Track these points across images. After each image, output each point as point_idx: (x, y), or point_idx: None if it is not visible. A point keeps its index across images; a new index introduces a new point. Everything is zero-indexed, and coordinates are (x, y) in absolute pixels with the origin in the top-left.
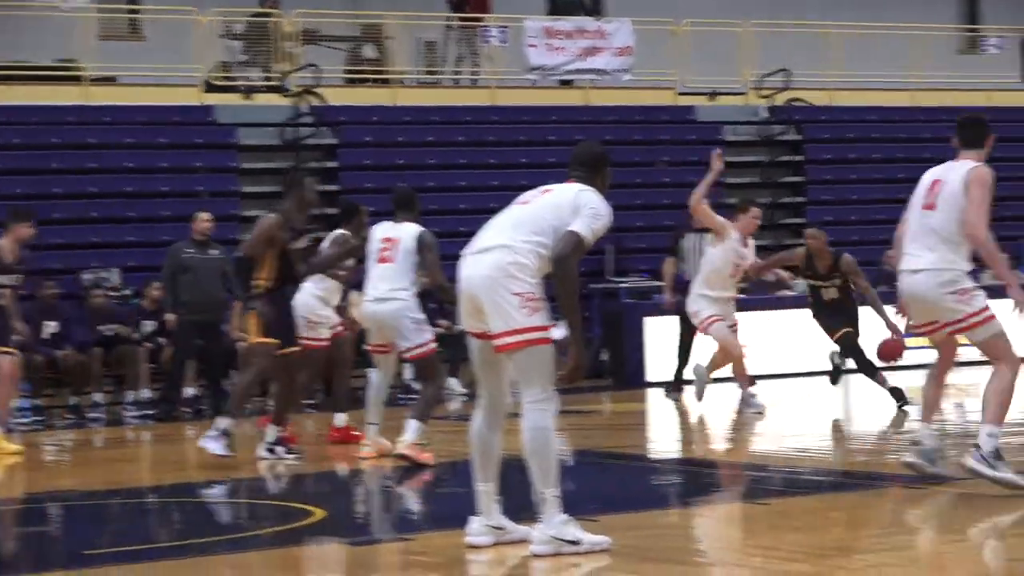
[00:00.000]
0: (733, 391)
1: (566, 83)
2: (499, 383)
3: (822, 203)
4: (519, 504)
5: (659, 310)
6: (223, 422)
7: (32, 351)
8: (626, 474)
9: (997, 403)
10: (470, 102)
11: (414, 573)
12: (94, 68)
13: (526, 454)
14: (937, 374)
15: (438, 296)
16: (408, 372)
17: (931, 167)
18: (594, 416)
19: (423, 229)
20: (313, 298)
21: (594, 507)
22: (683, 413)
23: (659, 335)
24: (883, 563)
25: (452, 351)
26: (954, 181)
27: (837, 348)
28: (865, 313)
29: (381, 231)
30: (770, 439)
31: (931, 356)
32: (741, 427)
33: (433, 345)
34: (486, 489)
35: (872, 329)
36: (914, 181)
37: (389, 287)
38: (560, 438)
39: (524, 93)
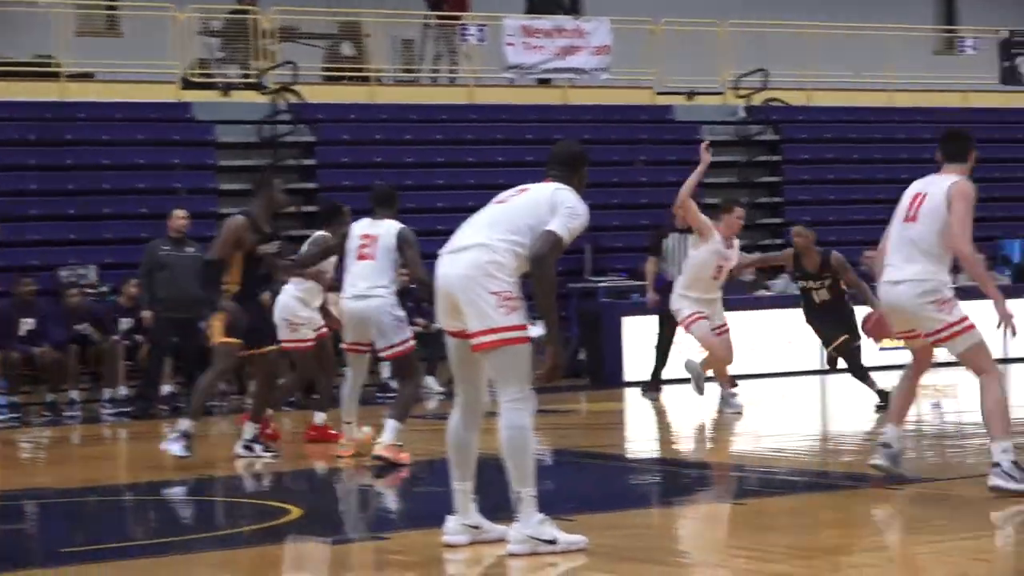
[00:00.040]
0: (713, 390)
1: (544, 82)
2: (476, 382)
3: (799, 203)
4: (496, 503)
5: (641, 309)
6: (183, 423)
7: (9, 348)
8: (603, 474)
9: (998, 415)
10: (448, 100)
11: (390, 572)
12: (71, 64)
13: (503, 453)
14: (911, 376)
15: (417, 294)
16: (386, 371)
17: (908, 167)
18: (571, 415)
19: (403, 226)
20: (293, 300)
21: (571, 507)
22: (661, 413)
23: (637, 334)
24: (861, 563)
25: (430, 350)
26: (936, 194)
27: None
28: (861, 313)
29: (360, 228)
30: (749, 439)
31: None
32: (720, 427)
33: (411, 343)
34: (463, 488)
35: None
36: (891, 181)
37: (369, 284)
38: (537, 437)
39: (502, 92)
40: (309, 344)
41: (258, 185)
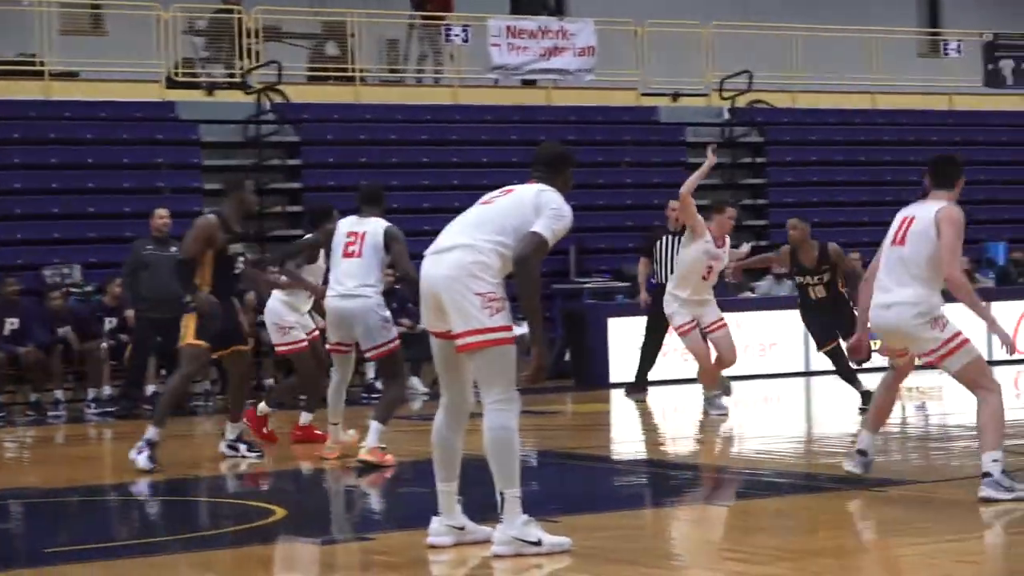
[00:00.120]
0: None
1: (528, 83)
2: (461, 383)
3: (783, 205)
4: (481, 504)
5: (627, 310)
6: (149, 431)
7: None
8: (589, 475)
9: (992, 429)
10: (432, 101)
11: (375, 573)
12: (56, 63)
13: (488, 454)
14: (891, 383)
15: (402, 294)
16: (371, 371)
17: (892, 169)
18: (556, 416)
19: (389, 224)
20: (281, 304)
21: (556, 508)
22: (646, 414)
23: (622, 336)
24: (846, 565)
25: (414, 350)
26: (924, 218)
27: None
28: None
29: (346, 225)
30: (734, 441)
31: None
32: (705, 429)
33: (397, 344)
34: (447, 489)
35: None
36: (876, 183)
37: (356, 283)
38: (522, 438)
39: (486, 92)
40: (303, 345)
41: (229, 186)
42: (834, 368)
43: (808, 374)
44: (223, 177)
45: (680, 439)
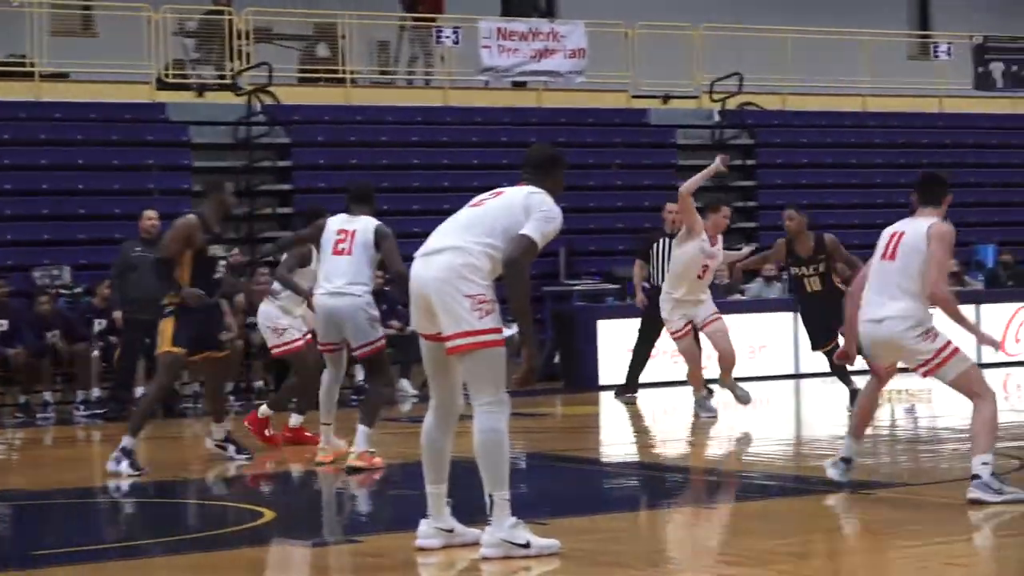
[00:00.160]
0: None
1: (519, 84)
2: (451, 385)
3: (774, 207)
4: (470, 507)
5: (616, 312)
6: (124, 440)
7: None
8: (578, 477)
9: (985, 434)
10: (423, 102)
11: (364, 575)
12: (46, 64)
13: (477, 456)
14: (873, 390)
15: (392, 295)
16: (361, 374)
17: (882, 172)
18: (546, 419)
19: (379, 222)
20: (274, 308)
21: (545, 510)
22: (635, 417)
23: (612, 338)
24: (836, 567)
25: (404, 352)
26: (915, 234)
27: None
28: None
29: (336, 223)
30: (723, 443)
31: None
32: (695, 431)
33: (383, 342)
34: (436, 491)
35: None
36: (866, 186)
37: (346, 281)
38: (511, 441)
39: (477, 94)
40: (299, 344)
41: (209, 187)
42: (828, 366)
43: (798, 376)
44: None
45: (670, 441)
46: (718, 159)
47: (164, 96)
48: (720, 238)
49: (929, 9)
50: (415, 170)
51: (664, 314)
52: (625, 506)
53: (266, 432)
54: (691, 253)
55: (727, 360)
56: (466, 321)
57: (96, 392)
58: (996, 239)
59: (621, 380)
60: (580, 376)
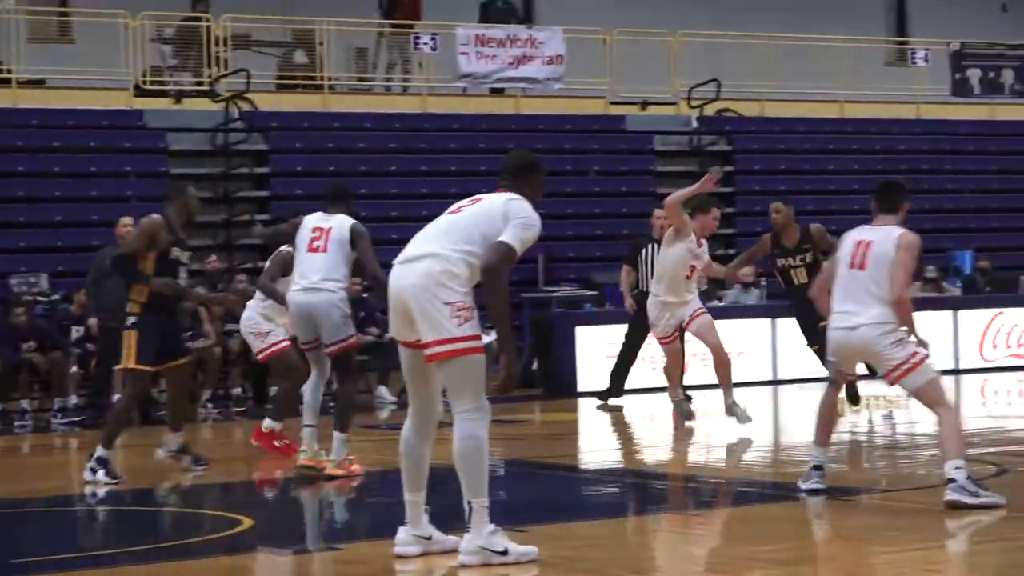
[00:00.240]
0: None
1: (497, 91)
2: (430, 392)
3: (752, 214)
4: (448, 514)
5: (595, 319)
6: (98, 451)
7: None
8: (556, 484)
9: (954, 441)
10: (401, 109)
11: None
12: (23, 71)
13: (457, 463)
14: (832, 396)
15: (371, 302)
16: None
17: (860, 178)
18: (524, 426)
19: (355, 221)
20: (257, 314)
21: (523, 517)
22: (614, 423)
23: (590, 344)
24: (815, 574)
25: (382, 359)
26: (885, 243)
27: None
28: None
29: (312, 221)
30: (702, 450)
31: None
32: (674, 437)
33: (354, 340)
34: (415, 499)
35: None
36: (844, 192)
37: (320, 276)
38: (490, 447)
39: (455, 101)
40: (285, 344)
41: (173, 191)
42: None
43: (776, 383)
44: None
45: (648, 448)
46: (711, 173)
47: (141, 103)
48: (705, 241)
49: (906, 15)
50: (393, 177)
51: (652, 317)
52: (603, 513)
53: (276, 444)
54: (679, 254)
55: (721, 361)
56: (445, 328)
57: (73, 400)
58: (973, 245)
59: (599, 386)
60: (558, 382)
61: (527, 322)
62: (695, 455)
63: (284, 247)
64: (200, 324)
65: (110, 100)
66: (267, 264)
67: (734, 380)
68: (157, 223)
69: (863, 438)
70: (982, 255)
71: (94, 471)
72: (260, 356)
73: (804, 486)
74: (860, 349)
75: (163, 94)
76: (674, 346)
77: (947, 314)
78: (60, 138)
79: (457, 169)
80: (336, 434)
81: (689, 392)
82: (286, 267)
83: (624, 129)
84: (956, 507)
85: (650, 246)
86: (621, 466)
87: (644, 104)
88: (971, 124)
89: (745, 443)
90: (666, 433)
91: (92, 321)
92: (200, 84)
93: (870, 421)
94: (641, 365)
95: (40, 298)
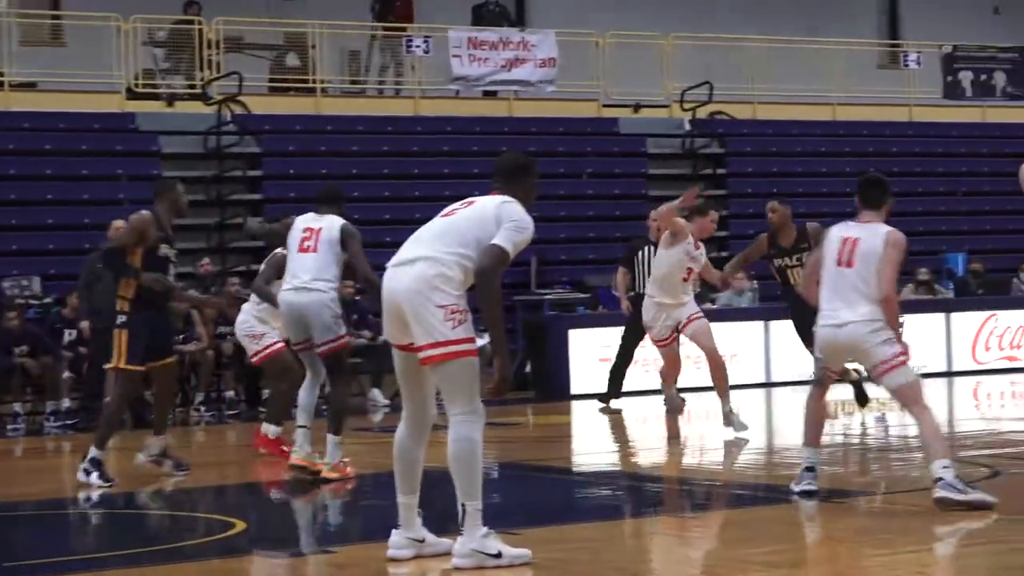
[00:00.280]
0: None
1: (490, 94)
2: (423, 395)
3: (744, 216)
4: (442, 517)
5: (587, 322)
6: (92, 451)
7: None
8: (549, 487)
9: (937, 441)
10: (394, 112)
11: None
12: (15, 74)
13: (451, 466)
14: (818, 397)
15: (363, 305)
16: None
17: (852, 181)
18: (517, 428)
19: (346, 221)
20: (251, 317)
21: (516, 520)
22: (607, 425)
23: (583, 347)
24: None
25: (375, 362)
26: (872, 240)
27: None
28: None
29: (303, 222)
30: (695, 452)
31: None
32: (667, 440)
33: (345, 340)
34: (408, 502)
35: None
36: (836, 195)
37: (311, 276)
38: (483, 450)
39: (448, 103)
40: (280, 346)
41: (160, 187)
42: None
43: (769, 385)
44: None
45: (642, 451)
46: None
47: (133, 106)
48: (702, 244)
49: (898, 18)
50: (386, 180)
51: (647, 319)
52: (597, 516)
53: (284, 448)
54: (676, 256)
55: (718, 368)
56: (439, 331)
57: (66, 403)
58: (966, 247)
59: (592, 389)
60: (551, 385)
61: (520, 325)
62: (687, 458)
63: (278, 250)
64: (193, 327)
65: (102, 103)
66: (262, 267)
67: (730, 382)
68: (146, 219)
69: (856, 441)
70: (975, 257)
71: (88, 472)
72: (255, 359)
73: (797, 488)
74: (848, 346)
75: (155, 97)
76: (671, 349)
77: (940, 316)
78: (52, 141)
79: (450, 172)
80: (330, 436)
81: (683, 395)
82: (280, 270)
83: (617, 132)
84: (945, 504)
85: (646, 248)
86: (614, 469)
87: (637, 107)
88: (963, 127)
89: (739, 446)
90: (660, 436)
91: (84, 324)
92: (192, 87)
93: (863, 424)
94: (634, 368)
95: (32, 301)
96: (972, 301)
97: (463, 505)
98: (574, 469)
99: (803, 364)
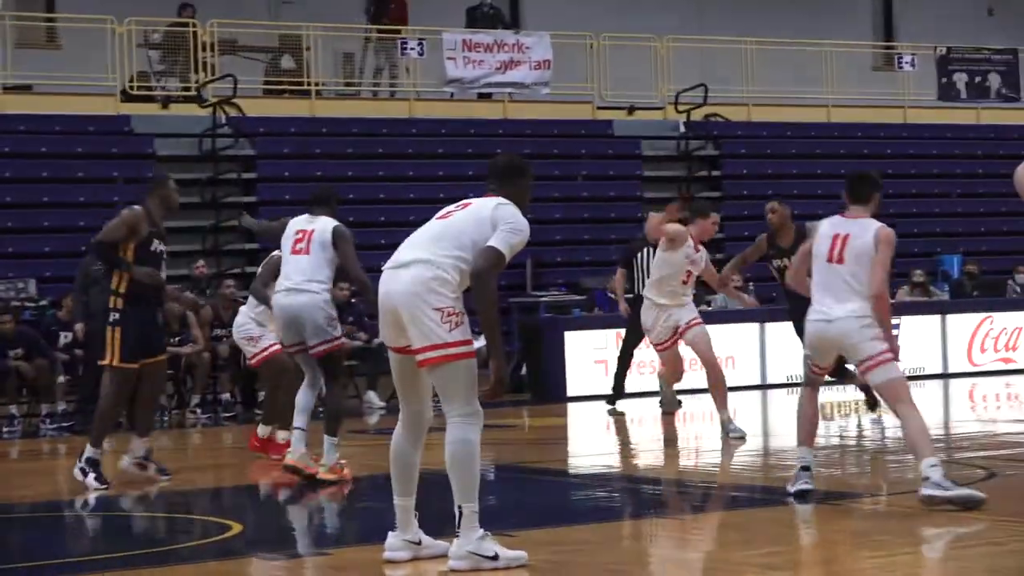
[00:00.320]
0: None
1: (484, 96)
2: (420, 398)
3: (739, 218)
4: (438, 519)
5: (584, 324)
6: (88, 451)
7: None
8: (545, 489)
9: (922, 440)
10: (388, 114)
11: None
12: (9, 76)
13: (448, 467)
14: (810, 396)
15: (359, 307)
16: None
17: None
18: (513, 430)
19: (338, 223)
20: (248, 319)
21: (513, 522)
22: (604, 428)
23: (579, 349)
24: None
25: (371, 364)
26: (863, 237)
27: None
28: None
29: (296, 224)
30: (691, 454)
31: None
32: (663, 441)
33: (340, 341)
34: (404, 504)
35: None
36: (831, 197)
37: (304, 278)
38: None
39: (442, 106)
40: (276, 348)
41: (152, 182)
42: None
43: (765, 387)
44: (189, 191)
45: (638, 452)
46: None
47: (128, 108)
48: (702, 246)
49: (893, 20)
50: (381, 182)
51: (647, 323)
52: (593, 518)
53: (280, 449)
54: (676, 259)
55: (715, 376)
56: (436, 334)
57: (62, 405)
58: (961, 249)
59: (588, 391)
60: (547, 387)
61: (516, 327)
62: (683, 460)
63: (275, 252)
64: (188, 329)
65: (97, 106)
66: (259, 269)
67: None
68: (138, 214)
69: (852, 443)
70: (970, 259)
71: (84, 472)
72: (252, 361)
73: (793, 488)
74: (837, 341)
75: (150, 99)
76: (672, 352)
77: (935, 318)
78: (47, 144)
79: (444, 174)
80: (327, 438)
81: (680, 398)
82: (277, 272)
83: (611, 134)
84: (930, 502)
85: (645, 250)
86: (611, 471)
87: (631, 109)
88: (958, 128)
89: (735, 447)
90: (656, 437)
91: (79, 327)
92: (187, 89)
93: (859, 425)
94: (632, 371)
95: (28, 304)
96: (967, 303)
97: (460, 507)
98: (570, 471)
99: (799, 366)
